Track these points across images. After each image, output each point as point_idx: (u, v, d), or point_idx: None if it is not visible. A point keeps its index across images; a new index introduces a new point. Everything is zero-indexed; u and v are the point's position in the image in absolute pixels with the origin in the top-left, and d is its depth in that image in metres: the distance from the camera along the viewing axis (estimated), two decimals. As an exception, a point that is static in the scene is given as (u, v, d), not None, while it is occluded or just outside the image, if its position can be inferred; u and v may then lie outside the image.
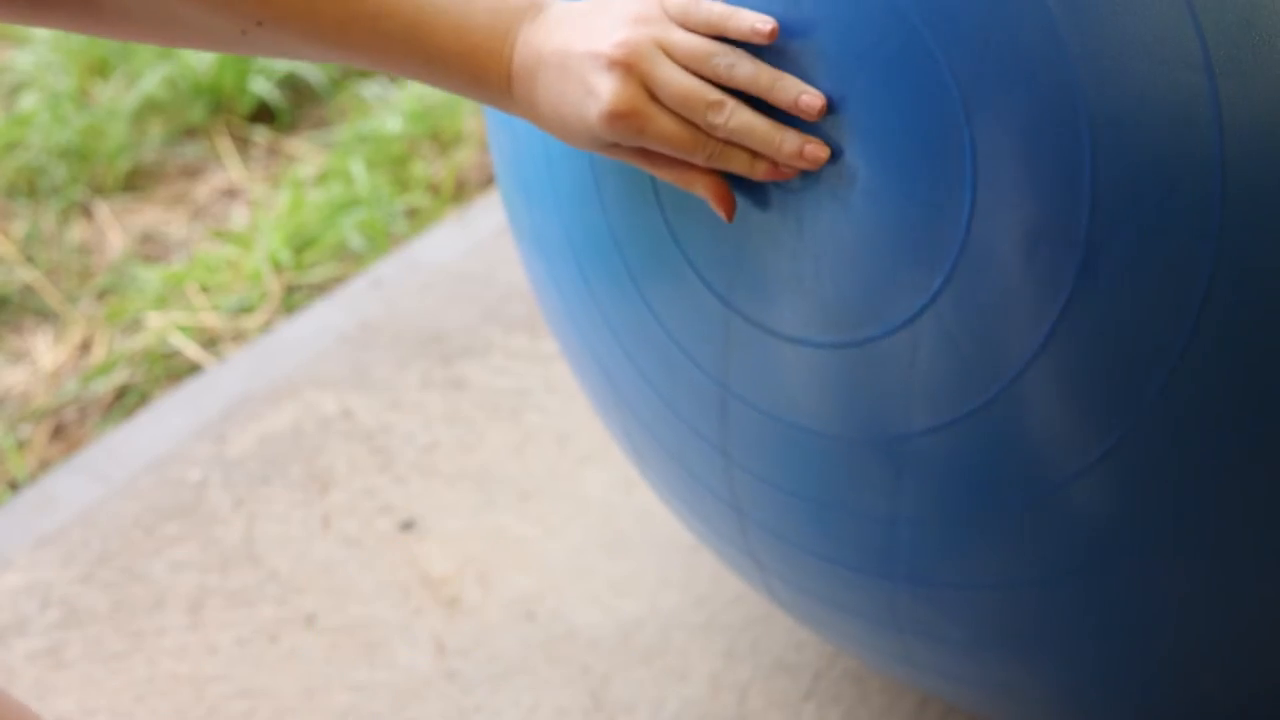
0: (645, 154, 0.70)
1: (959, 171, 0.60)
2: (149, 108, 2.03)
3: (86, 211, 1.85)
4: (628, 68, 0.66)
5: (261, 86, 2.02)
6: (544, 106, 0.69)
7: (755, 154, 0.67)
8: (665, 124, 0.66)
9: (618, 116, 0.66)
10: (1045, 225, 0.58)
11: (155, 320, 1.61)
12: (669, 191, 0.72)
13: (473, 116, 1.96)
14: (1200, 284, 0.57)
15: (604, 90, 0.66)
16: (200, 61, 2.07)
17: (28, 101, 2.06)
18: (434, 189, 1.89)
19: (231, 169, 1.91)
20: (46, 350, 1.60)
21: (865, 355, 0.66)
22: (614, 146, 0.69)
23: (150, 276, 1.69)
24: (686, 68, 0.66)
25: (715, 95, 0.66)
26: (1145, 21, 0.55)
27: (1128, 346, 0.60)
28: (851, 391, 0.68)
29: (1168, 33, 0.55)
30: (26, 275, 1.70)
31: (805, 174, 0.66)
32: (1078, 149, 0.57)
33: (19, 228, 1.79)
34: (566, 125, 0.69)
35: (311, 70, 2.12)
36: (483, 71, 0.69)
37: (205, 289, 1.68)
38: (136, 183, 1.89)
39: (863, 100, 0.62)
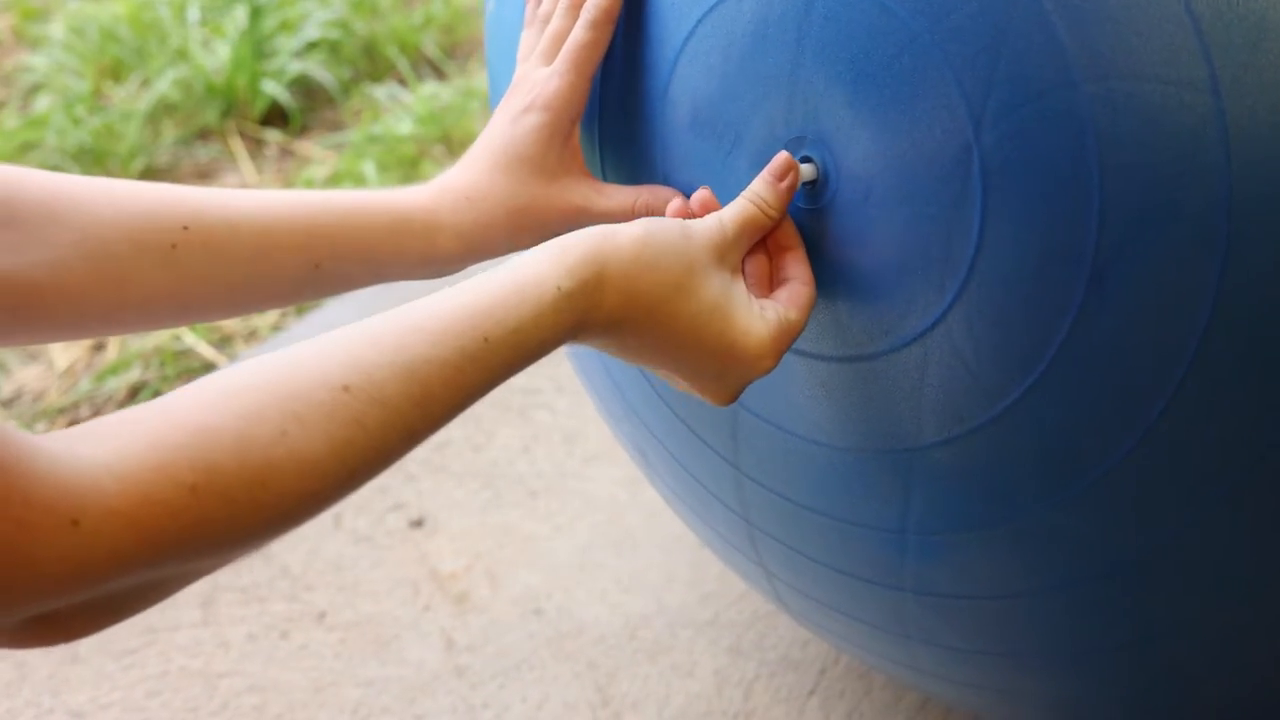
0: None
1: (969, 191, 0.59)
2: (162, 109, 2.03)
3: (100, 211, 1.86)
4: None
5: (274, 89, 2.03)
6: (503, 177, 0.71)
7: None
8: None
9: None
10: (1054, 244, 0.58)
11: (168, 319, 1.62)
12: None
13: (482, 120, 1.97)
14: (1206, 302, 0.57)
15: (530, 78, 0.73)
16: (213, 63, 2.08)
17: (43, 103, 2.06)
18: (444, 191, 1.89)
19: (244, 170, 1.92)
20: (61, 349, 1.59)
21: (875, 369, 0.66)
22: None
23: (163, 276, 1.70)
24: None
25: None
26: (1152, 43, 0.55)
27: (1134, 363, 0.59)
28: (861, 405, 0.67)
29: (1175, 55, 0.55)
30: (41, 274, 1.71)
31: (817, 193, 0.66)
32: (1085, 169, 0.56)
33: (34, 227, 1.80)
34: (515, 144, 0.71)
35: (323, 72, 2.12)
36: (410, 200, 0.71)
37: (217, 289, 1.69)
38: (149, 183, 1.90)
39: (874, 118, 0.62)
